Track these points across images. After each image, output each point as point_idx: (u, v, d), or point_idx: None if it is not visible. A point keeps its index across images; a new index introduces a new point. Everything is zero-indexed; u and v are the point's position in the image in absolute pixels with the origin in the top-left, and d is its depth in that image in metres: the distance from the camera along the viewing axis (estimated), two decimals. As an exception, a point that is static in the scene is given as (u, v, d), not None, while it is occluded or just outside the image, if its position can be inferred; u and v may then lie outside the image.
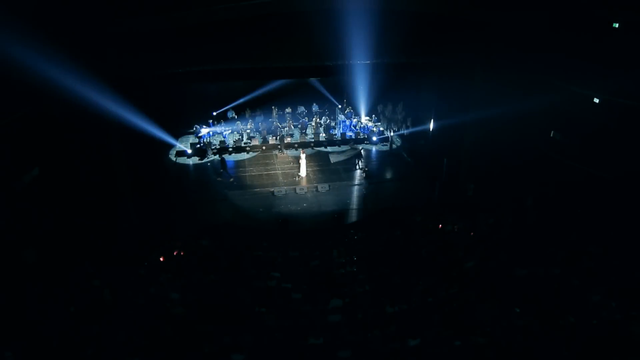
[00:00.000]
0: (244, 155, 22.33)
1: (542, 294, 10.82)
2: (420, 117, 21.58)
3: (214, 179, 20.10)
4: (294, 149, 22.57)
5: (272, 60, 16.25)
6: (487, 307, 10.41)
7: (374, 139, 23.66)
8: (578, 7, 15.35)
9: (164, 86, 18.28)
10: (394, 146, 23.50)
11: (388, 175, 21.22)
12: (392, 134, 23.74)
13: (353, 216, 17.87)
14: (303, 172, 20.20)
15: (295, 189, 19.21)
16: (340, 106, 24.84)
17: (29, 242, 12.89)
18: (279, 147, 22.14)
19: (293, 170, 20.76)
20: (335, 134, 23.58)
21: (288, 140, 23.00)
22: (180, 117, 22.91)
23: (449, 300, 11.17)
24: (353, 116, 24.47)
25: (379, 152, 23.26)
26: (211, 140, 22.70)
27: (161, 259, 13.59)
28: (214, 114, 23.71)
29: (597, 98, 15.74)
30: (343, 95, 24.90)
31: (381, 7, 14.57)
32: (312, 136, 23.32)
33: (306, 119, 24.26)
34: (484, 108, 17.65)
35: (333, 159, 22.30)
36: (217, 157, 21.48)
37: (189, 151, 21.98)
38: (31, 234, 13.25)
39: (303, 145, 22.71)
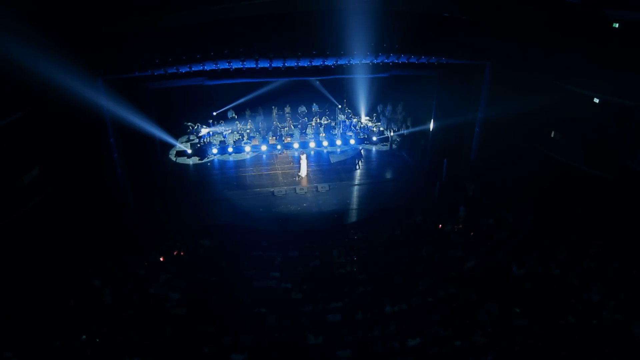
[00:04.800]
0: (244, 155, 22.32)
1: (542, 294, 10.83)
2: (420, 117, 21.56)
3: (214, 179, 20.13)
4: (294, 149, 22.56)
5: (273, 60, 16.25)
6: (487, 307, 10.42)
7: (374, 139, 23.65)
8: (578, 7, 15.34)
9: (163, 86, 18.25)
10: (394, 146, 23.48)
11: (388, 175, 21.21)
12: (392, 134, 23.73)
13: (353, 216, 17.86)
14: (303, 172, 20.19)
15: (295, 189, 19.20)
16: (340, 106, 24.81)
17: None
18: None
19: (293, 170, 20.76)
20: (335, 134, 23.56)
21: (288, 140, 22.98)
22: (180, 117, 22.85)
23: (449, 300, 11.17)
24: (353, 116, 24.45)
25: (379, 152, 23.26)
26: (211, 140, 22.68)
27: (161, 259, 13.60)
28: (214, 114, 23.67)
29: (597, 98, 15.74)
30: (343, 95, 24.87)
31: (382, 8, 14.61)
32: (312, 136, 23.29)
33: (306, 119, 24.23)
34: (484, 108, 17.66)
35: (333, 159, 22.30)
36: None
37: (189, 151, 21.98)
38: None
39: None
